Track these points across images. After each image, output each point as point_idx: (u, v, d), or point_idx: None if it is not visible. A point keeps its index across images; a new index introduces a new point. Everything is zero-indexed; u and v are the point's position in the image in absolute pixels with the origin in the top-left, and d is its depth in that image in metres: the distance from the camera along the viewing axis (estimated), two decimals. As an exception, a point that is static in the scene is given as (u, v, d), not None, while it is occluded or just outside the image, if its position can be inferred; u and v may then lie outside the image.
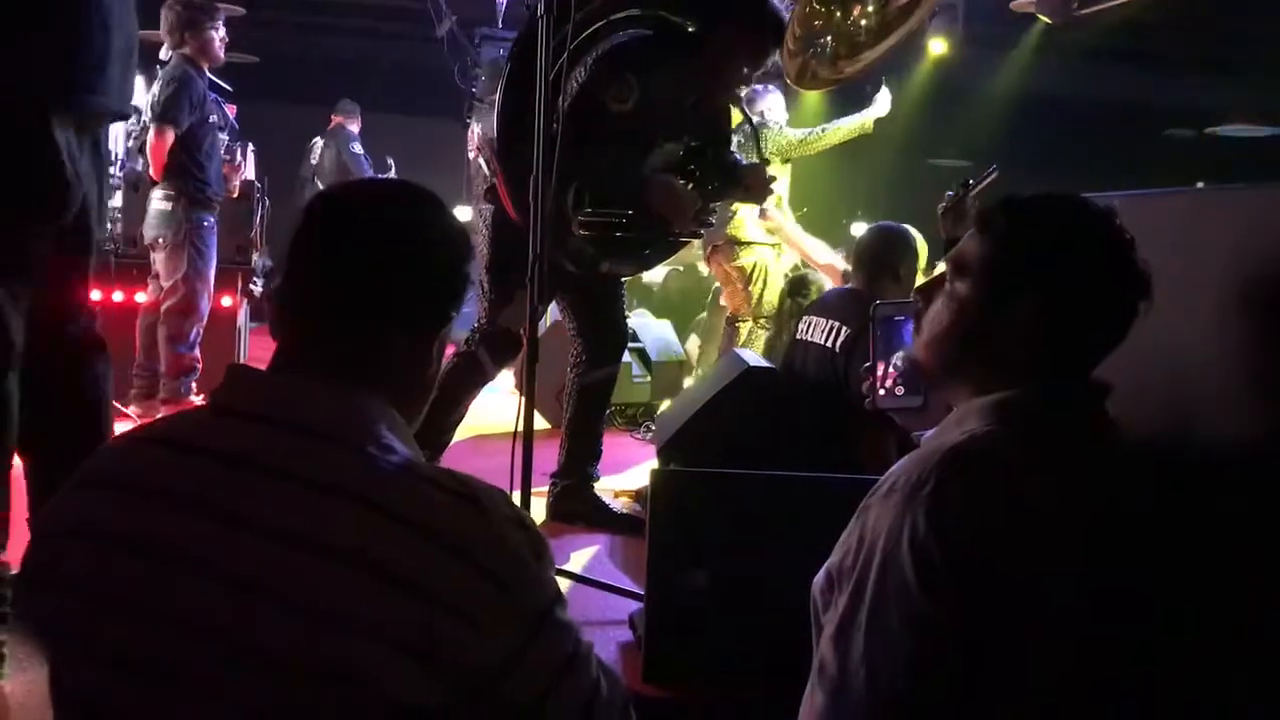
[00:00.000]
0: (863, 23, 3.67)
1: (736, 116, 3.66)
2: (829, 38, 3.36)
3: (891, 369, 1.51)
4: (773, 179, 3.37)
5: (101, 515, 0.99)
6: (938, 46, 7.55)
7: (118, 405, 4.65)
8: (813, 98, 6.79)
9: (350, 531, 0.93)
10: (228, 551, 0.93)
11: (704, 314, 6.65)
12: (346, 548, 0.92)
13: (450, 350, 3.23)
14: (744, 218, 5.16)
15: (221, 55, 4.69)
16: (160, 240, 4.54)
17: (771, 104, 5.24)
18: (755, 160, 3.44)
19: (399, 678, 0.90)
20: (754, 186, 3.29)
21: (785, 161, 5.20)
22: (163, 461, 1.01)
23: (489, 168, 3.18)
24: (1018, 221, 1.29)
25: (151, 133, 4.42)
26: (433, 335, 1.12)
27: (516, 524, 1.00)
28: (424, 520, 0.94)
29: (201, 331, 4.63)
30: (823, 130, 5.16)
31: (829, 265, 5.34)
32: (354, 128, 7.90)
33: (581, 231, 2.98)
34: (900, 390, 1.50)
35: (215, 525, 0.95)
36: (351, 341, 1.06)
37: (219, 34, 4.60)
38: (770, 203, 4.97)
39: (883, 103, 5.15)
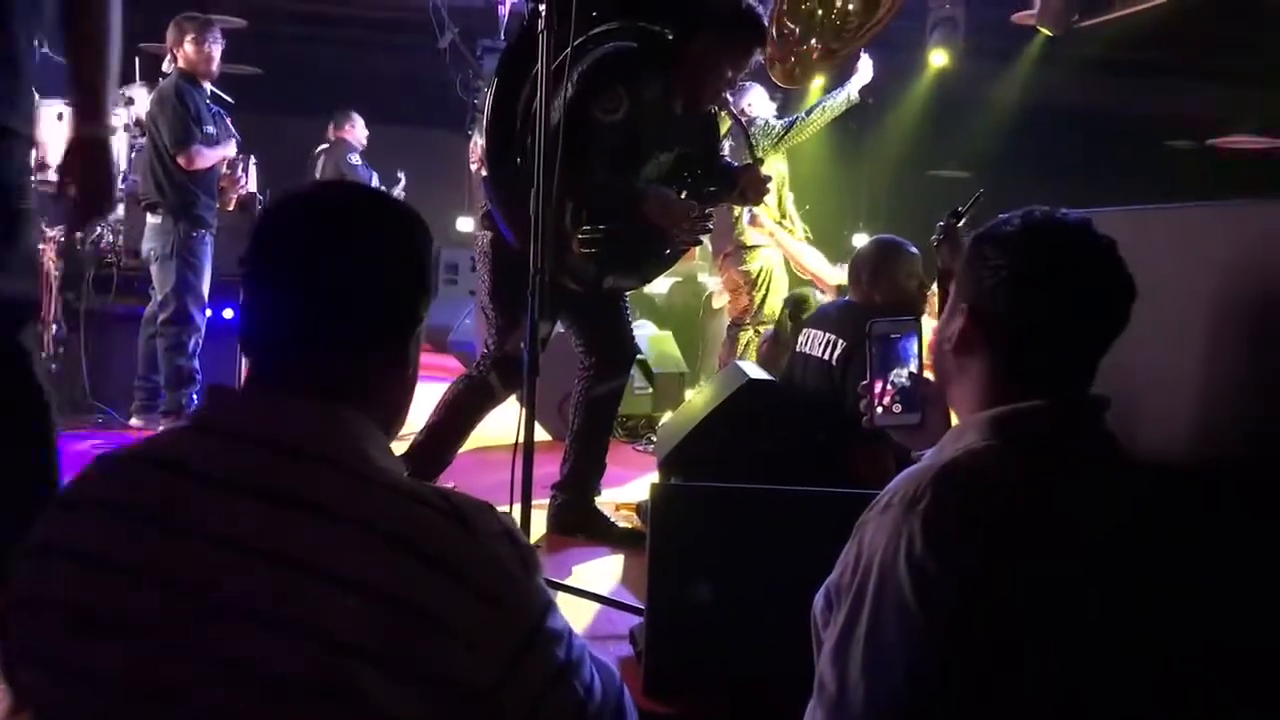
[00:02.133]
0: (850, 7, 3.68)
1: (725, 120, 3.67)
2: (813, 39, 3.37)
3: (889, 386, 1.51)
4: (767, 178, 3.37)
5: (86, 535, 0.99)
6: (939, 59, 7.55)
7: (118, 418, 4.69)
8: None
9: (338, 551, 0.92)
10: (216, 573, 0.93)
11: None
12: (335, 568, 0.92)
13: (460, 372, 3.24)
14: (747, 223, 5.17)
15: (212, 69, 4.74)
16: (151, 253, 4.59)
17: (754, 99, 5.21)
18: (749, 161, 3.45)
19: (394, 696, 0.90)
20: (749, 188, 3.30)
21: (779, 153, 5.18)
22: (148, 482, 1.00)
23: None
24: (976, 239, 1.31)
25: (184, 163, 4.49)
26: (407, 337, 1.10)
27: (505, 538, 0.99)
28: (412, 538, 0.94)
29: (200, 342, 4.64)
30: (807, 114, 5.13)
31: (816, 275, 5.36)
32: (352, 139, 7.89)
33: (582, 249, 2.99)
34: (898, 408, 1.51)
35: (202, 546, 0.94)
36: (324, 356, 1.05)
37: (207, 47, 4.64)
38: (771, 200, 4.98)
39: (865, 70, 5.08)
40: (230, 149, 4.82)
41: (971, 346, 1.29)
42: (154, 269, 4.61)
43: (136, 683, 0.93)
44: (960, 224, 3.17)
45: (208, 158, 4.58)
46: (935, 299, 3.37)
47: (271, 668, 0.90)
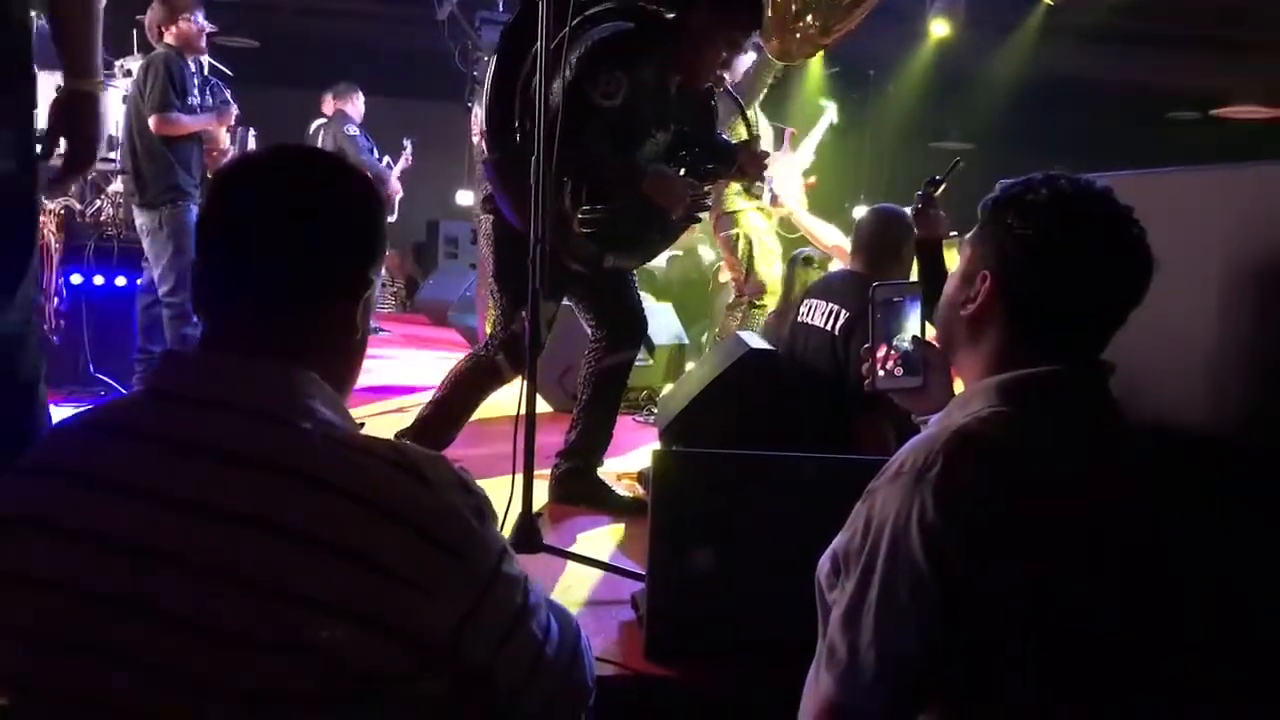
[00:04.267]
0: None
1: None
2: (810, 16, 3.37)
3: (892, 350, 1.52)
4: (765, 154, 3.37)
5: (43, 503, 1.00)
6: (940, 29, 7.51)
7: (120, 390, 4.69)
8: (814, 77, 6.76)
9: (297, 509, 0.94)
10: (176, 536, 0.94)
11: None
12: (295, 525, 0.93)
13: (461, 345, 3.24)
14: (730, 189, 5.14)
15: (202, 45, 4.73)
16: (142, 228, 4.58)
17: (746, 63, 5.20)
18: (745, 137, 3.44)
19: (359, 650, 0.92)
20: (747, 164, 3.29)
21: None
22: (104, 448, 1.02)
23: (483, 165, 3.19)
24: (998, 205, 1.31)
25: (154, 125, 4.46)
26: (355, 301, 1.11)
27: (459, 488, 1.01)
28: (369, 493, 0.96)
29: None
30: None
31: (836, 247, 5.34)
32: (351, 109, 7.87)
33: (582, 230, 2.99)
34: (899, 371, 1.51)
35: (161, 510, 0.95)
36: (275, 319, 1.06)
37: (198, 24, 4.62)
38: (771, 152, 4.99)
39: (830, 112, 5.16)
40: (225, 119, 4.77)
41: (990, 314, 1.29)
42: (145, 243, 4.61)
43: (99, 647, 0.94)
44: (938, 193, 3.16)
45: (181, 124, 4.53)
46: None
47: (234, 625, 0.91)
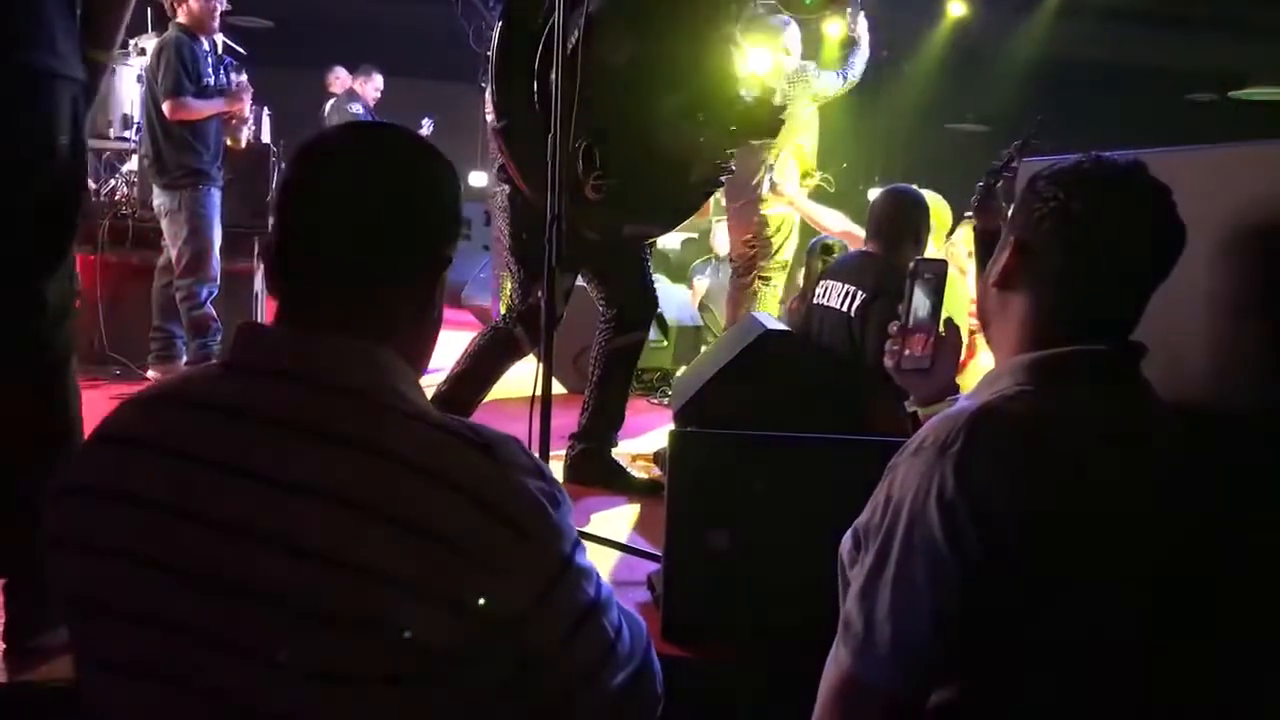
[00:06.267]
0: None
1: (776, 65, 3.57)
2: None
3: (920, 330, 1.51)
4: (782, 108, 3.34)
5: (121, 476, 1.00)
6: (957, 8, 7.46)
7: (135, 369, 4.71)
8: (829, 54, 6.70)
9: (371, 484, 0.93)
10: (251, 508, 0.94)
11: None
12: (368, 500, 0.93)
13: (475, 326, 3.24)
14: (768, 191, 5.12)
15: (215, 26, 4.71)
16: (160, 208, 4.59)
17: (789, 38, 5.15)
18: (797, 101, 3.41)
19: (424, 626, 0.91)
20: (766, 121, 3.27)
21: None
22: (180, 420, 1.01)
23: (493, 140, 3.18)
24: (1031, 177, 1.31)
25: (168, 111, 4.45)
26: (434, 279, 1.11)
27: (533, 472, 1.00)
28: (442, 470, 0.95)
29: (215, 291, 4.65)
30: (847, 75, 5.12)
31: (845, 233, 5.30)
32: (362, 89, 7.87)
33: (596, 196, 2.97)
34: (918, 350, 1.50)
35: (236, 482, 0.95)
36: (352, 294, 1.05)
37: (213, 4, 4.61)
38: (808, 143, 4.97)
39: (863, 48, 5.14)
40: (239, 103, 4.75)
41: (1015, 281, 1.28)
42: (164, 224, 4.62)
43: (171, 618, 0.94)
44: (998, 184, 3.13)
45: (194, 109, 4.53)
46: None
47: (304, 599, 0.91)
